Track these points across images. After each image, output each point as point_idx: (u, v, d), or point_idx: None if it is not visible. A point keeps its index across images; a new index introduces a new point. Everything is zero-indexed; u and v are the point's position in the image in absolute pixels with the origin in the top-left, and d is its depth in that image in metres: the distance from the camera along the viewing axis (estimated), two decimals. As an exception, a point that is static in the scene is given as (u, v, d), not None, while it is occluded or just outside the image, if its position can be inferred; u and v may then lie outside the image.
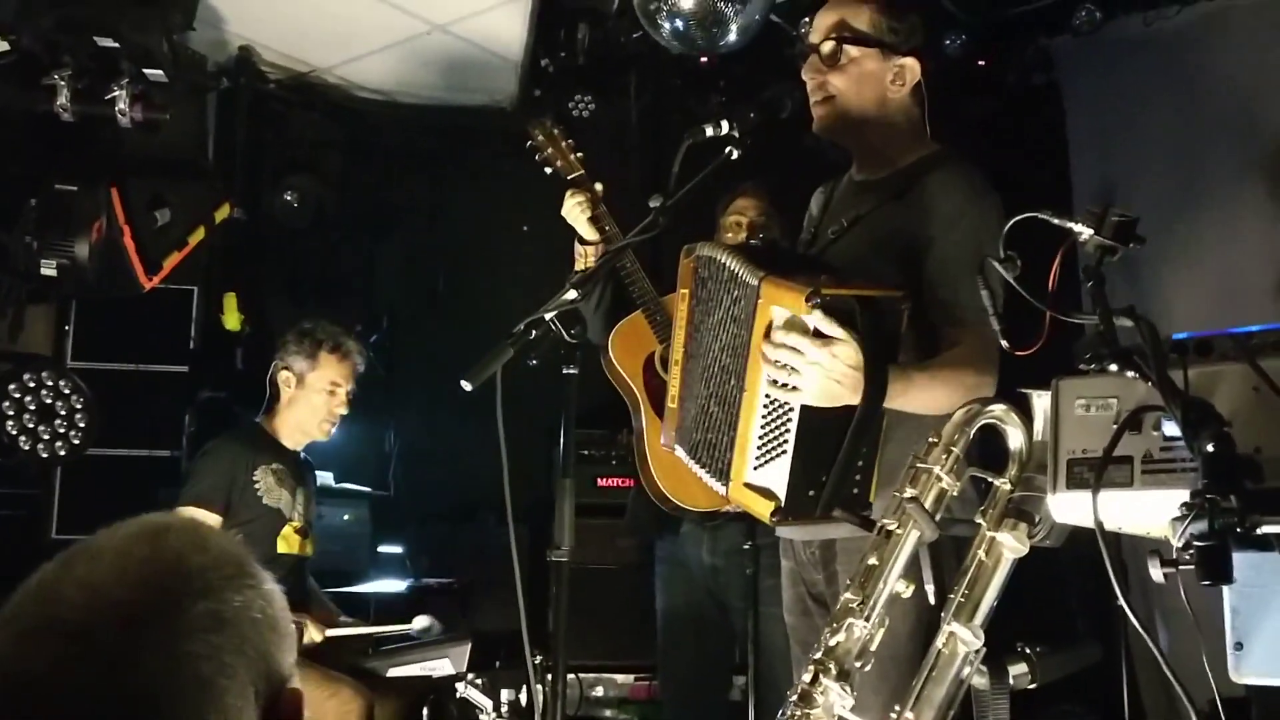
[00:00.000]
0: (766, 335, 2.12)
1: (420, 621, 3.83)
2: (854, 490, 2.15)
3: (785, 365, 2.08)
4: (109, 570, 0.99)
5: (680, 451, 2.42)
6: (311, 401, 3.85)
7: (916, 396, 2.19)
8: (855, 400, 2.06)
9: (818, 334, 2.05)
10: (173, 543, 1.03)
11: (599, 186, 3.19)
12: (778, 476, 2.13)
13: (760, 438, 2.15)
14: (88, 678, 0.94)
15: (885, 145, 2.53)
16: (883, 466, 2.19)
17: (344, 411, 3.92)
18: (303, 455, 3.97)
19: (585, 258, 3.14)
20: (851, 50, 2.48)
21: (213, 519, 3.53)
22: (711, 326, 2.31)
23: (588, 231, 3.11)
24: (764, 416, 2.14)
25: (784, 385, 2.10)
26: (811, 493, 2.11)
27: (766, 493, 2.15)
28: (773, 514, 2.14)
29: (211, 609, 1.00)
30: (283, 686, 1.05)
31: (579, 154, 3.25)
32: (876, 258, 2.35)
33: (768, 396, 2.14)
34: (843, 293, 2.04)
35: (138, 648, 0.95)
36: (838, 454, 2.07)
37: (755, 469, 2.17)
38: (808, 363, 2.05)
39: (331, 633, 3.68)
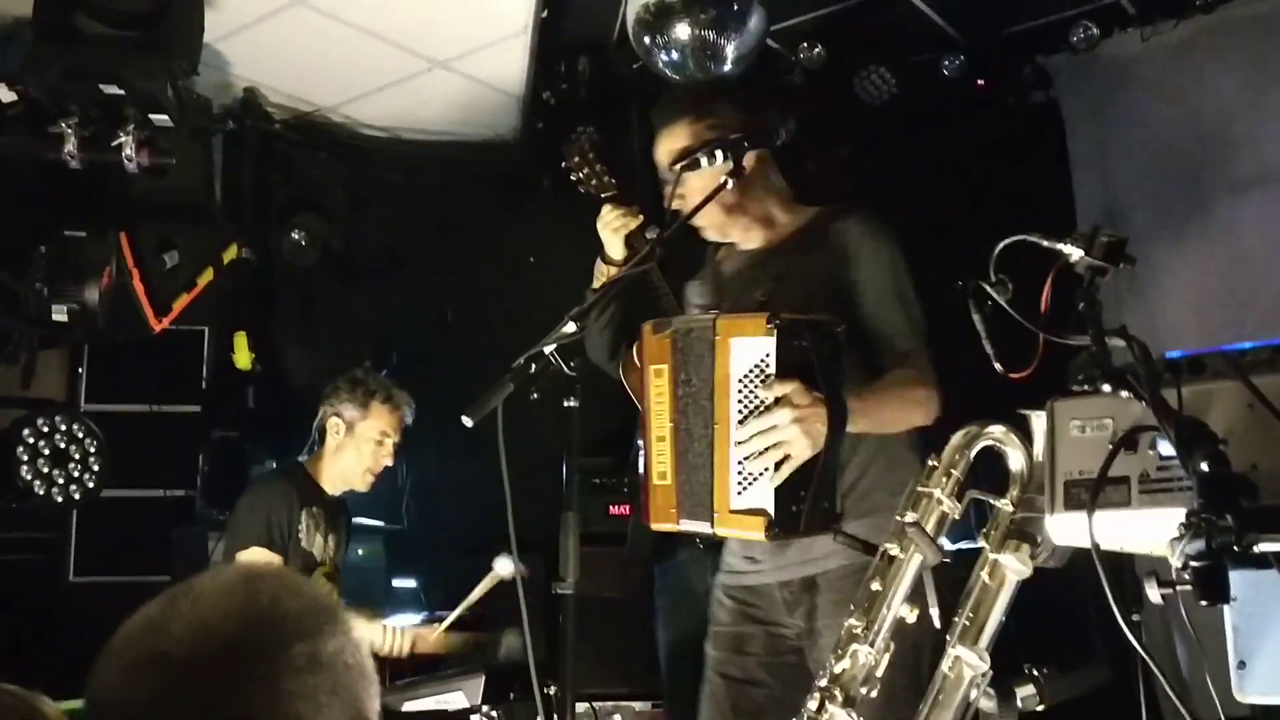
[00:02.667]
0: (728, 371, 2.24)
1: (503, 564, 3.71)
2: (826, 504, 2.23)
3: (768, 446, 2.17)
4: (212, 609, 1.04)
5: (686, 524, 2.41)
6: (360, 450, 3.87)
7: (873, 415, 2.33)
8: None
9: (766, 379, 2.17)
10: (269, 586, 1.08)
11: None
12: (764, 496, 2.18)
13: (739, 464, 2.19)
14: (190, 709, 0.99)
15: (773, 218, 2.66)
16: (854, 492, 2.28)
17: (389, 463, 3.94)
18: (341, 497, 3.99)
19: (605, 276, 3.14)
20: (705, 164, 2.56)
21: (274, 559, 3.56)
22: (691, 388, 2.38)
23: (617, 250, 3.09)
24: (739, 443, 2.18)
25: (766, 432, 2.17)
26: (794, 508, 2.19)
27: (756, 512, 2.21)
28: (768, 529, 2.17)
29: (309, 651, 1.04)
30: None
31: (613, 173, 3.24)
32: (814, 305, 2.42)
33: (739, 424, 2.21)
34: (796, 317, 2.21)
35: (240, 683, 1.00)
36: (811, 470, 2.17)
37: (739, 494, 2.21)
38: (785, 431, 2.15)
39: (443, 627, 3.81)
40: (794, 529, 2.20)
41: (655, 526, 2.49)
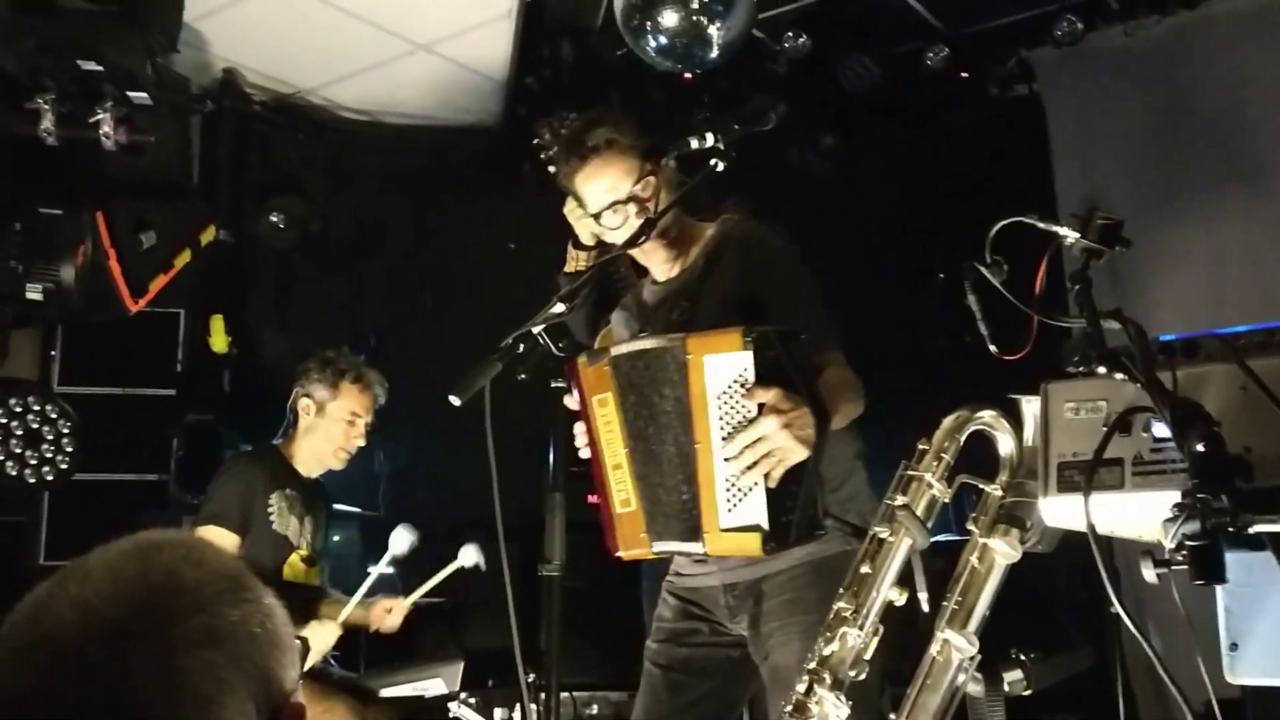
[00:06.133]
0: (704, 388, 2.21)
1: (469, 554, 3.74)
2: (810, 511, 2.24)
3: (760, 456, 2.15)
4: (100, 587, 0.98)
5: (660, 545, 2.37)
6: (330, 430, 3.84)
7: (841, 411, 2.33)
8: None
9: (748, 390, 2.16)
10: (165, 559, 1.02)
11: None
12: (756, 510, 2.17)
13: (728, 480, 2.20)
14: (78, 695, 0.93)
15: (679, 243, 2.64)
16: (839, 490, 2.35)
17: (361, 443, 3.90)
18: (318, 479, 3.95)
19: (576, 261, 3.12)
20: (640, 193, 2.55)
21: (230, 539, 3.51)
22: (649, 410, 2.34)
23: (587, 236, 3.09)
24: (728, 459, 2.19)
25: (756, 443, 2.16)
26: (784, 519, 2.18)
27: (749, 529, 2.19)
28: (765, 544, 2.16)
29: (206, 624, 0.99)
30: (284, 701, 1.04)
31: None
32: (728, 320, 2.39)
33: (724, 440, 2.19)
34: (766, 328, 2.19)
35: (128, 664, 0.94)
36: (795, 477, 2.17)
37: (730, 511, 2.20)
38: (776, 439, 2.13)
39: (407, 603, 3.75)
40: (785, 540, 2.19)
41: (625, 555, 2.43)
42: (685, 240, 2.65)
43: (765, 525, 2.16)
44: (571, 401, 2.48)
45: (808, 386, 2.21)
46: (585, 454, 2.49)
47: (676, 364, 2.26)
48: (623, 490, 2.40)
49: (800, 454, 2.16)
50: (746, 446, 2.15)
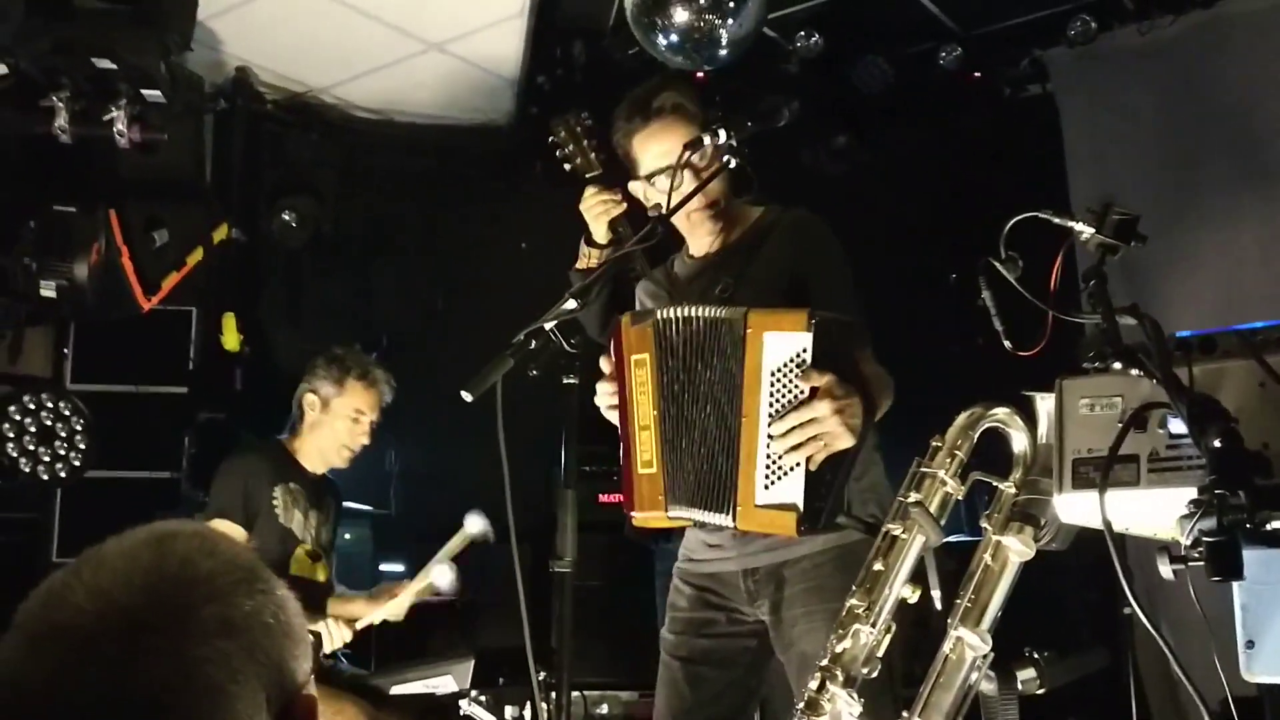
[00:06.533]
0: (760, 363, 2.21)
1: (474, 522, 3.69)
2: (840, 499, 2.25)
3: (807, 438, 2.16)
4: (115, 576, 0.98)
5: (677, 510, 2.38)
6: (334, 427, 3.84)
7: (879, 406, 2.36)
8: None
9: (804, 371, 2.17)
10: (180, 548, 1.01)
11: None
12: (794, 490, 2.17)
13: (769, 457, 2.19)
14: (91, 684, 0.93)
15: (725, 218, 2.67)
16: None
17: (366, 441, 3.89)
18: (328, 476, 3.95)
19: (589, 258, 3.11)
20: (696, 161, 2.56)
21: (237, 532, 3.51)
22: (690, 376, 2.35)
23: (601, 233, 3.08)
24: (774, 436, 2.19)
25: (806, 424, 2.16)
26: (818, 504, 2.19)
27: (785, 507, 2.18)
28: (798, 524, 2.15)
29: (220, 614, 0.98)
30: (296, 693, 1.03)
31: (601, 155, 3.21)
32: (770, 302, 2.41)
33: (771, 418, 2.19)
34: (829, 315, 2.21)
35: (143, 653, 0.94)
36: (834, 466, 2.19)
37: (766, 488, 2.20)
38: (827, 423, 2.14)
39: (405, 598, 3.69)
40: (815, 524, 2.19)
41: (639, 518, 2.43)
42: (731, 218, 2.65)
43: (801, 506, 2.16)
44: (607, 363, 2.47)
45: (858, 377, 2.23)
46: (609, 415, 2.50)
47: (734, 336, 2.27)
48: (647, 452, 2.40)
49: (846, 442, 2.16)
50: (795, 426, 2.15)
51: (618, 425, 2.49)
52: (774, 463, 2.19)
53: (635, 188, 2.71)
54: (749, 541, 2.48)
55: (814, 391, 2.16)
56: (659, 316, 2.41)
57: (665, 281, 2.78)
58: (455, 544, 3.74)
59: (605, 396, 2.50)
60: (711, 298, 2.53)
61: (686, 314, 2.38)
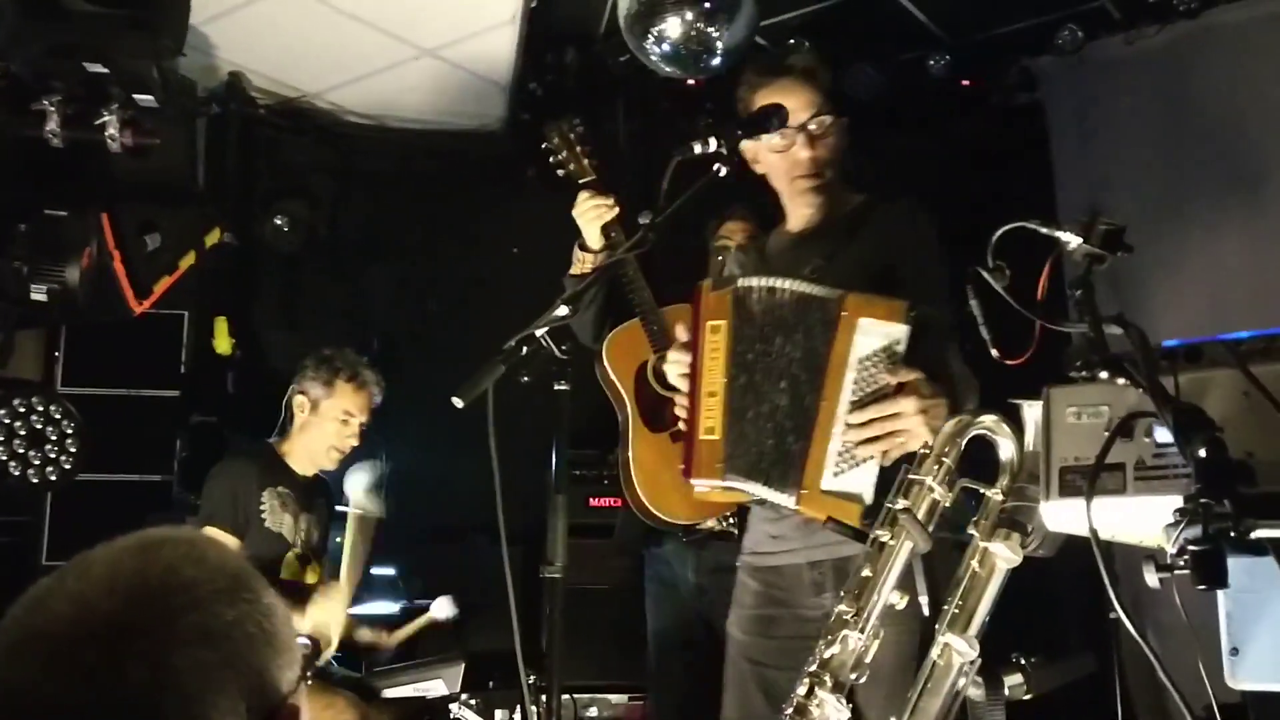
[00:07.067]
0: (849, 348, 2.19)
1: (442, 607, 3.83)
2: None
3: (886, 432, 2.15)
4: (97, 583, 0.98)
5: (734, 480, 2.32)
6: (324, 429, 3.84)
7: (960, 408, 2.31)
8: None
9: (894, 364, 2.15)
10: (166, 555, 1.02)
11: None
12: (864, 482, 2.16)
13: (845, 444, 2.18)
14: (70, 690, 0.94)
15: (829, 193, 2.65)
16: None
17: (355, 443, 3.89)
18: (321, 478, 3.96)
19: (583, 263, 3.11)
20: (826, 121, 2.57)
21: (230, 539, 3.51)
22: (767, 348, 2.31)
23: (594, 238, 3.07)
24: (852, 425, 2.17)
25: (888, 418, 2.15)
26: (880, 501, 2.14)
27: (852, 498, 2.17)
28: (862, 518, 2.13)
29: (199, 622, 0.99)
30: (280, 703, 1.03)
31: (594, 161, 3.22)
32: (859, 288, 2.38)
33: (852, 405, 2.18)
34: (927, 310, 2.19)
35: (121, 660, 0.95)
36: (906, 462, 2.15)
37: (835, 475, 2.18)
38: (909, 420, 2.13)
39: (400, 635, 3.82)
40: (873, 522, 2.17)
41: (695, 481, 2.37)
42: (833, 196, 2.63)
43: (869, 500, 2.14)
44: (683, 330, 2.44)
45: (946, 377, 2.21)
46: (678, 383, 2.45)
47: (826, 316, 2.23)
48: (711, 419, 2.35)
49: (925, 441, 2.10)
50: (876, 419, 2.14)
51: (684, 394, 2.43)
52: (847, 451, 2.17)
53: (746, 146, 2.63)
54: (812, 533, 2.42)
55: (900, 386, 2.14)
56: (740, 284, 2.37)
57: (755, 254, 2.75)
58: (417, 625, 3.90)
59: (676, 365, 2.45)
60: (799, 277, 2.48)
61: (773, 285, 2.34)
